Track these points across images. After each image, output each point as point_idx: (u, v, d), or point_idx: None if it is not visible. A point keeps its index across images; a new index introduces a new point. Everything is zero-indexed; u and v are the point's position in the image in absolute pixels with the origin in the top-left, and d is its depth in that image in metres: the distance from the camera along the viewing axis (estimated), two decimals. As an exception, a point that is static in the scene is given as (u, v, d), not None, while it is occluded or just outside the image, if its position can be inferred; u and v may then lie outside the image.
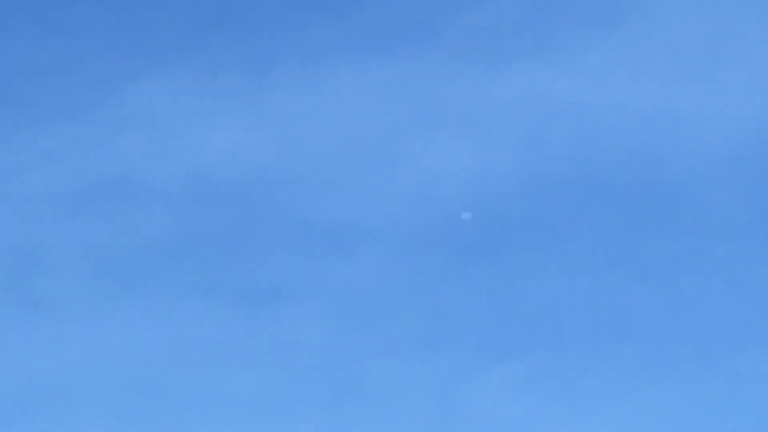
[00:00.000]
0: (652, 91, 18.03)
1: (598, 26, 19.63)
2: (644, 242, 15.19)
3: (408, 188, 15.65)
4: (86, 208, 15.85)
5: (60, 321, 14.98)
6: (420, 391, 13.91)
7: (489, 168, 16.35)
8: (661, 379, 13.94)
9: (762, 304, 14.72)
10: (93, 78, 18.11)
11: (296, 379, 13.88)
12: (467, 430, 14.05)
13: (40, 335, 14.69)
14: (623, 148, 17.05)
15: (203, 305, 14.61)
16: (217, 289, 14.91)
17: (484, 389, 13.83)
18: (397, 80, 18.50)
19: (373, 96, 18.19)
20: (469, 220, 15.67)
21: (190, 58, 18.95)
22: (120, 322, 14.67)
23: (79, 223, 15.58)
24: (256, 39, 19.41)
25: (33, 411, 14.16)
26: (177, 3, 19.71)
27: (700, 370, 14.06)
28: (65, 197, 16.26)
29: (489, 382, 13.92)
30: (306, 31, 19.33)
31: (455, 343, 14.22)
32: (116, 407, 13.78)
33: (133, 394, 13.85)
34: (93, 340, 14.34)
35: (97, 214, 15.77)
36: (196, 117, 17.66)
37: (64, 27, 18.62)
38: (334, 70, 18.94)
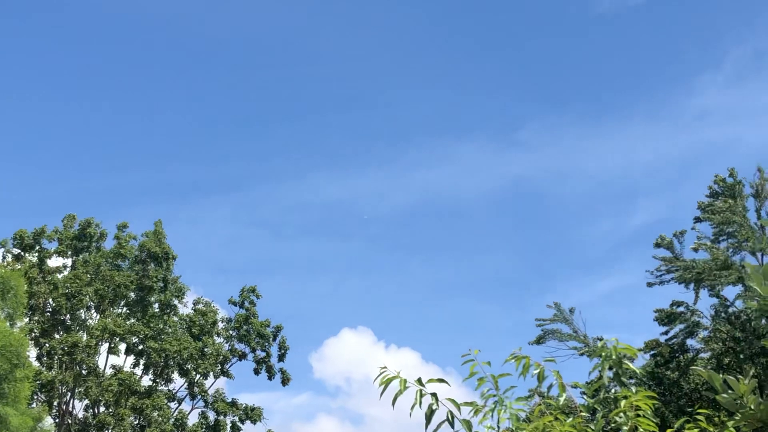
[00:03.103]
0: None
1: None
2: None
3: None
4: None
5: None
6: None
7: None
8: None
9: None
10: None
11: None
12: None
13: None
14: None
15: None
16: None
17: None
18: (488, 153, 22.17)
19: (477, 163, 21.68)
20: (369, 220, 24.23)
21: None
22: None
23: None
24: (398, 120, 24.11)
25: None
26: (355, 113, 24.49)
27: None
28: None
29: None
30: (432, 113, 25.10)
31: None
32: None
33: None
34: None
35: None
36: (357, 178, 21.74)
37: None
38: (452, 144, 24.85)
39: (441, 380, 6.20)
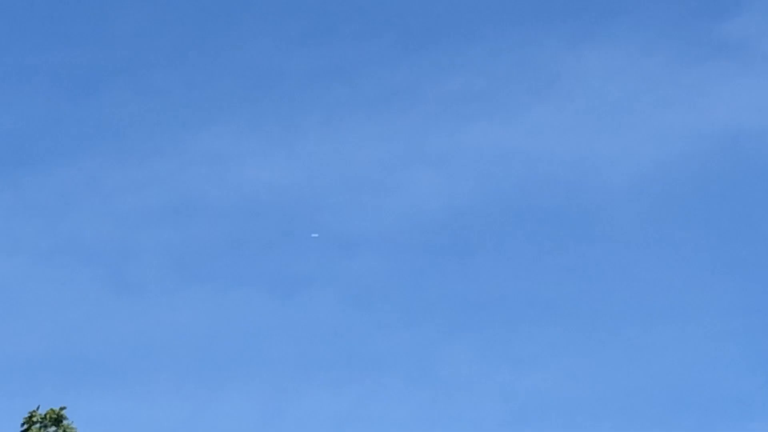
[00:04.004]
0: (573, 142, 22.64)
1: (535, 94, 24.25)
2: (565, 248, 19.94)
3: (397, 209, 20.08)
4: (165, 220, 20.52)
5: (144, 302, 19.67)
6: (404, 356, 18.56)
7: (454, 195, 20.81)
8: (573, 349, 18.84)
9: (647, 293, 19.67)
10: (171, 126, 22.98)
11: (313, 346, 18.47)
12: (440, 385, 18.69)
13: (130, 312, 19.32)
14: (551, 182, 21.65)
15: (246, 292, 19.27)
16: (257, 280, 19.50)
17: (452, 353, 18.49)
18: (390, 131, 22.95)
19: (373, 142, 22.50)
20: (317, 237, 18.92)
21: (241, 113, 23.71)
22: (186, 303, 19.35)
23: (160, 230, 20.28)
24: (289, 100, 23.92)
25: (126, 368, 18.70)
26: (236, 75, 24.01)
27: (600, 343, 18.91)
28: (152, 212, 20.87)
29: (455, 348, 18.58)
30: (325, 94, 23.81)
31: (430, 319, 18.83)
32: (183, 365, 18.43)
33: (195, 356, 18.54)
34: (167, 316, 18.99)
35: (173, 225, 20.46)
36: (245, 155, 22.34)
37: (153, 88, 23.38)
38: (345, 123, 23.36)
39: None
